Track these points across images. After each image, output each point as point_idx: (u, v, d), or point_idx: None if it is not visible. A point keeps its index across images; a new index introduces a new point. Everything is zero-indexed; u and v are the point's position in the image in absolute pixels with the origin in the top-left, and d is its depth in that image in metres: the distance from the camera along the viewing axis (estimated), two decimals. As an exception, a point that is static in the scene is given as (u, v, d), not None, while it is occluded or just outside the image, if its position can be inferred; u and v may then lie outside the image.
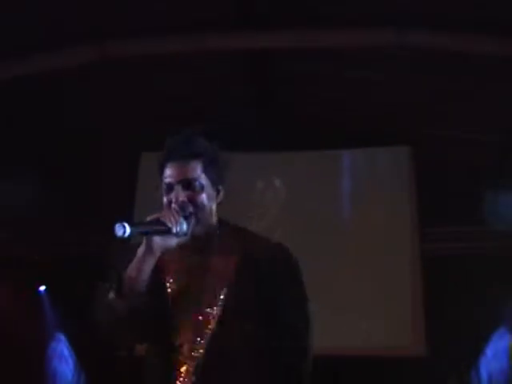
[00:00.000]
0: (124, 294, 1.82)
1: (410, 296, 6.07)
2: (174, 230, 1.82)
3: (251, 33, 4.93)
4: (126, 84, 5.51)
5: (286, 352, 1.99)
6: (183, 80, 5.57)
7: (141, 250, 1.85)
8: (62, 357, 6.91)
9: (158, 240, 1.83)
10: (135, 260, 1.85)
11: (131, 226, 1.74)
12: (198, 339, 1.92)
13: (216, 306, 1.93)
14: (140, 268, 1.84)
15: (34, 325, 6.57)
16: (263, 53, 5.42)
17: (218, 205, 2.02)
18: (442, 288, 6.10)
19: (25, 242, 6.71)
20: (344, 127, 6.18)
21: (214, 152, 2.02)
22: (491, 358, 6.33)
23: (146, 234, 1.83)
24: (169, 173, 1.95)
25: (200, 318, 1.93)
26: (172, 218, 1.82)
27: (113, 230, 1.76)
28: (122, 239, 1.74)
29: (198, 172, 1.95)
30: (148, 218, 1.85)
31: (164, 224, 1.82)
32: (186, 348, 1.92)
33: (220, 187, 2.02)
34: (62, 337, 6.89)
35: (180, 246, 1.89)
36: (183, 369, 1.90)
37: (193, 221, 1.90)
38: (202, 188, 1.95)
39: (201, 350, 1.91)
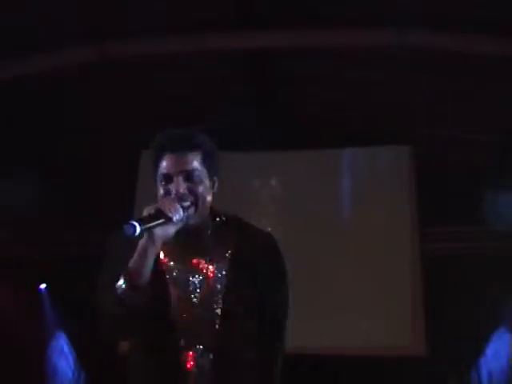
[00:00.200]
0: (133, 286, 1.83)
1: (410, 296, 6.07)
2: (174, 219, 1.85)
3: (251, 33, 4.93)
4: (125, 84, 5.51)
5: (268, 349, 2.03)
6: (183, 80, 5.57)
7: (142, 243, 1.85)
8: (62, 354, 6.91)
9: (158, 231, 1.85)
10: (137, 253, 1.86)
11: (140, 224, 1.75)
12: (199, 334, 1.96)
13: (216, 297, 1.98)
14: (143, 261, 1.85)
15: (34, 324, 6.57)
16: (263, 53, 5.42)
17: (213, 195, 2.07)
18: (441, 288, 6.10)
19: (25, 241, 6.71)
20: (344, 127, 6.18)
21: (211, 144, 2.07)
22: (491, 358, 6.33)
23: (153, 228, 1.83)
24: (168, 164, 1.98)
25: (199, 310, 1.97)
26: (171, 207, 1.85)
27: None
28: (133, 238, 1.75)
29: (197, 163, 1.99)
30: (146, 210, 1.86)
31: (165, 214, 1.83)
32: (184, 342, 1.96)
33: (215, 178, 2.07)
34: (63, 335, 6.89)
35: (176, 234, 1.91)
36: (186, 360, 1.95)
37: (192, 210, 1.94)
38: (201, 179, 1.99)
39: (201, 346, 1.95)
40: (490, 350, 6.33)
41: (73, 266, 6.40)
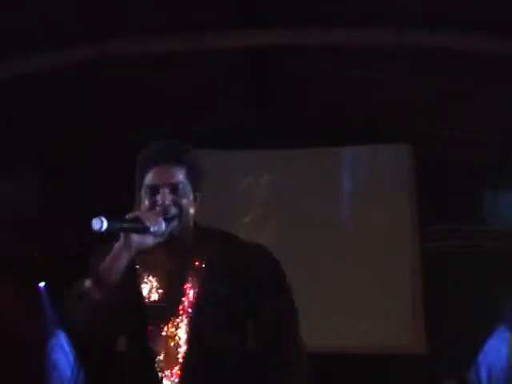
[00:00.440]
0: (100, 284, 1.87)
1: (410, 295, 6.08)
2: (152, 229, 1.87)
3: (251, 32, 4.93)
4: (126, 84, 5.50)
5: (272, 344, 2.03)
6: (183, 79, 5.57)
7: (117, 245, 1.89)
8: (62, 352, 6.91)
9: (135, 237, 1.88)
10: (111, 254, 1.90)
11: (109, 220, 1.77)
12: (172, 340, 1.98)
13: (189, 306, 1.99)
14: (114, 262, 1.88)
15: (34, 324, 6.57)
16: (263, 52, 5.42)
17: (196, 211, 2.09)
18: (441, 287, 6.10)
19: (25, 241, 6.71)
20: (344, 127, 6.18)
21: (196, 159, 2.11)
22: (491, 357, 6.33)
23: (123, 230, 1.87)
24: (154, 176, 2.04)
25: (173, 318, 1.99)
26: (151, 219, 1.88)
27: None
28: (99, 233, 1.77)
29: (182, 177, 2.04)
30: (127, 216, 1.88)
31: (142, 222, 1.85)
32: (160, 347, 1.98)
33: (197, 194, 2.10)
34: (62, 333, 6.88)
35: (157, 246, 1.94)
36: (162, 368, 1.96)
37: (175, 223, 1.97)
38: (185, 192, 2.03)
39: (178, 348, 1.97)
40: (489, 349, 6.33)
41: (73, 266, 6.38)
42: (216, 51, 5.08)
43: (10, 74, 4.90)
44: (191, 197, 2.06)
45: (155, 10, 4.70)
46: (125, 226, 1.86)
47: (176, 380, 1.96)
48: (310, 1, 4.77)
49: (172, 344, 1.98)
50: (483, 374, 6.34)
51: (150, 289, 2.03)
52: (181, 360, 1.96)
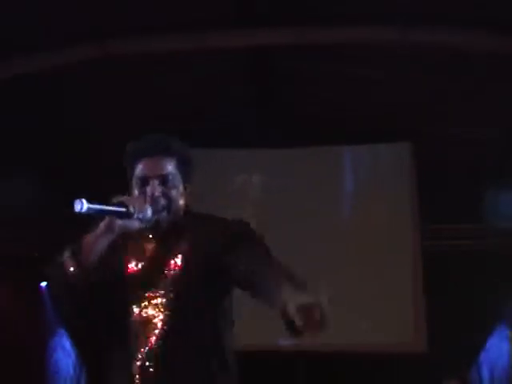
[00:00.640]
0: (78, 260, 1.92)
1: (410, 294, 6.08)
2: (136, 216, 1.90)
3: (251, 32, 4.93)
4: (126, 84, 5.50)
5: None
6: (183, 79, 5.57)
7: (101, 224, 1.93)
8: (64, 351, 6.91)
9: (119, 220, 1.91)
10: (94, 232, 1.95)
11: (91, 203, 1.84)
12: (153, 326, 1.97)
13: (170, 290, 1.98)
14: (96, 240, 1.94)
15: (35, 324, 6.57)
16: (263, 52, 5.42)
17: (186, 202, 2.11)
18: (442, 286, 6.11)
19: (25, 241, 6.70)
20: (344, 127, 6.18)
21: (185, 150, 2.14)
22: (492, 356, 6.33)
23: (106, 213, 1.91)
24: (144, 167, 2.06)
25: (154, 301, 1.99)
26: (137, 205, 1.91)
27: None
28: (80, 214, 1.83)
29: (172, 168, 2.07)
30: (113, 199, 1.92)
31: (126, 207, 1.89)
32: (140, 331, 1.97)
33: (187, 185, 2.12)
34: (63, 331, 6.88)
35: (142, 230, 1.98)
36: (139, 350, 1.95)
37: (165, 214, 2.01)
38: (174, 184, 2.06)
39: (153, 338, 1.96)
40: (490, 348, 6.34)
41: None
42: (216, 51, 5.08)
43: (10, 73, 4.90)
44: (181, 188, 2.08)
45: (155, 10, 4.70)
46: (108, 209, 1.89)
47: (151, 363, 1.93)
48: (310, 1, 4.77)
49: (150, 325, 1.97)
50: (485, 373, 6.35)
51: (132, 270, 2.04)
52: (158, 341, 1.95)
